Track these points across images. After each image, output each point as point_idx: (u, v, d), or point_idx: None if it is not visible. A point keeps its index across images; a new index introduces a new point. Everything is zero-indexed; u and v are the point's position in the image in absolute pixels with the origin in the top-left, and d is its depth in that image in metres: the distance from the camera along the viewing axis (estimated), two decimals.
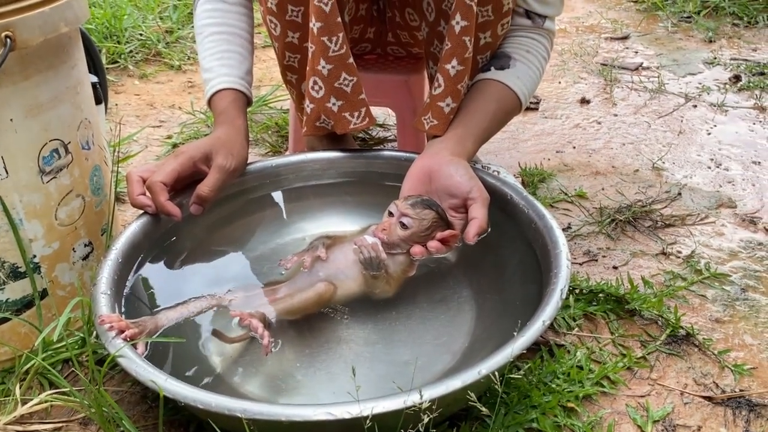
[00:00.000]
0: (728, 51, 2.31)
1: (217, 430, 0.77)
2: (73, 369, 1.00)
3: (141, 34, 2.25)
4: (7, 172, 0.91)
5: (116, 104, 1.92)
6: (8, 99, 0.89)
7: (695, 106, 1.91)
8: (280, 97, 1.89)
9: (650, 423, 0.93)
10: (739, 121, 1.82)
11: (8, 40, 0.84)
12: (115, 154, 1.43)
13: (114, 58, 2.13)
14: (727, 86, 2.03)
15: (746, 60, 2.21)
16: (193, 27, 2.34)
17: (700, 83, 2.06)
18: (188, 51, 2.26)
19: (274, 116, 1.81)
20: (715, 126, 1.80)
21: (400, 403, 0.72)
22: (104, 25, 2.19)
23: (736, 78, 2.07)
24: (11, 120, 0.90)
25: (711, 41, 2.40)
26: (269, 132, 1.75)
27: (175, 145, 1.68)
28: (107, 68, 2.03)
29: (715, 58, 2.23)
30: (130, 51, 2.18)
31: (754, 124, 1.81)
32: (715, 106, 1.90)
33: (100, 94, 1.27)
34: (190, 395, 0.75)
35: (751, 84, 2.02)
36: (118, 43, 2.17)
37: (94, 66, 1.39)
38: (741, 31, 2.49)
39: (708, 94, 1.98)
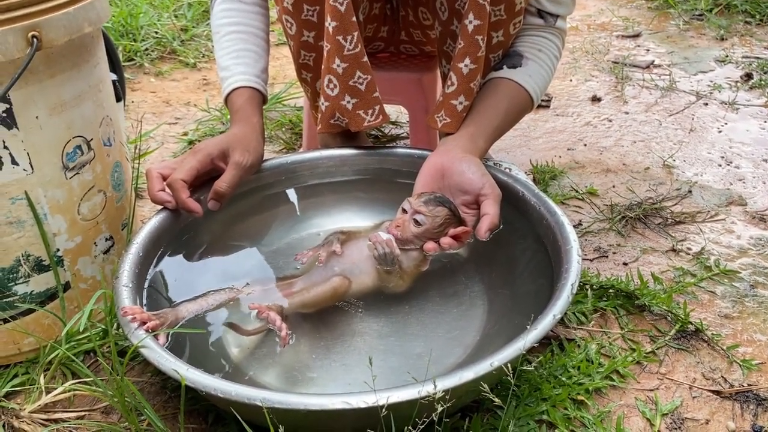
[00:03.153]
0: (740, 49, 2.31)
1: (240, 420, 0.79)
2: (94, 359, 1.03)
3: (156, 32, 2.28)
4: (32, 168, 0.94)
5: (132, 101, 1.95)
6: (34, 97, 0.91)
7: (706, 104, 1.92)
8: (294, 95, 1.91)
9: (659, 416, 0.94)
10: (750, 119, 1.83)
11: (35, 39, 0.87)
12: (136, 150, 1.46)
13: (130, 55, 2.16)
14: (739, 84, 2.03)
15: (758, 58, 2.21)
16: (207, 25, 2.38)
17: (711, 81, 2.06)
18: (203, 49, 2.29)
19: (288, 113, 1.83)
20: (726, 124, 1.81)
21: (415, 393, 0.74)
22: (120, 23, 2.22)
23: (748, 76, 2.07)
24: (37, 117, 0.92)
25: (723, 39, 2.40)
26: (283, 129, 1.77)
27: (191, 142, 1.71)
28: (123, 66, 2.06)
29: (727, 56, 2.23)
30: (146, 49, 2.21)
31: (765, 122, 1.81)
32: (726, 104, 1.91)
33: (120, 92, 1.30)
34: (211, 384, 0.77)
35: (762, 82, 2.02)
36: (134, 41, 2.20)
37: (113, 64, 1.41)
38: (753, 28, 2.49)
39: (719, 92, 1.99)
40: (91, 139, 1.02)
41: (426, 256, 1.04)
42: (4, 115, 0.89)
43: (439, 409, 0.73)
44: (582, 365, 1.00)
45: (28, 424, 0.92)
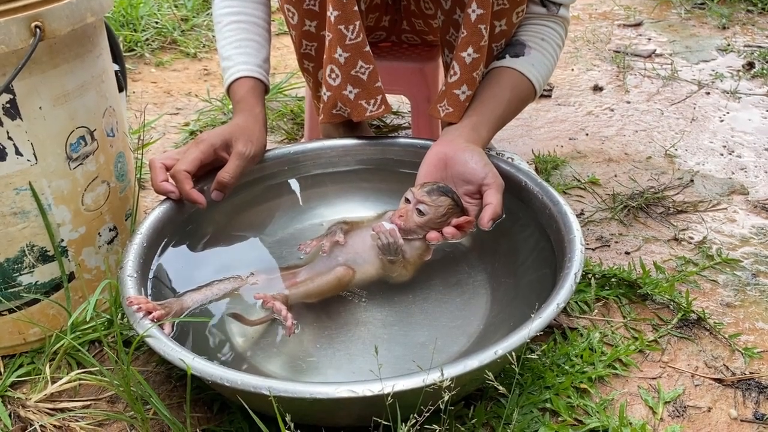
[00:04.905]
0: (742, 38, 2.30)
1: (247, 408, 0.80)
2: (100, 349, 1.03)
3: (157, 22, 2.28)
4: (36, 159, 0.94)
5: (133, 92, 1.94)
6: (37, 87, 0.91)
7: (708, 93, 1.91)
8: (295, 85, 1.90)
9: (661, 404, 0.95)
10: (752, 108, 1.83)
11: (38, 30, 0.87)
12: (139, 140, 1.46)
13: (131, 46, 2.16)
14: (741, 73, 2.03)
15: (760, 47, 2.21)
16: (208, 15, 2.37)
17: (713, 70, 2.06)
18: (203, 39, 2.28)
19: (289, 104, 1.83)
20: (727, 113, 1.80)
21: (420, 381, 0.74)
22: (121, 13, 2.21)
23: (750, 65, 2.07)
24: (40, 108, 0.92)
25: (724, 28, 2.39)
26: (285, 119, 1.77)
27: (192, 133, 1.71)
28: (124, 56, 2.06)
29: (729, 45, 2.23)
30: (147, 39, 2.21)
31: (767, 111, 1.81)
32: (728, 93, 1.91)
33: (122, 82, 1.29)
34: (217, 373, 0.77)
35: (764, 71, 2.02)
36: (135, 31, 2.20)
37: (114, 54, 1.40)
38: (755, 17, 2.48)
39: (721, 81, 1.98)
40: (95, 130, 1.02)
41: (429, 246, 1.05)
42: (8, 105, 0.89)
43: (445, 397, 0.74)
44: (585, 354, 1.01)
45: (34, 413, 0.92)
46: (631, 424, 0.91)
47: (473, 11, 1.08)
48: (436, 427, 0.77)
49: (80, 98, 0.98)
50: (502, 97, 1.15)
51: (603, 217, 1.37)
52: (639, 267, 1.19)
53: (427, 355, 0.90)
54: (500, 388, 0.81)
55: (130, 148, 1.17)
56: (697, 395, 0.97)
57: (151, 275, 0.99)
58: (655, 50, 2.22)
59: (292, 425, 0.74)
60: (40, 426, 0.90)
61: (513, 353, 0.80)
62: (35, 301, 1.01)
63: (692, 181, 1.49)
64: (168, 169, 1.05)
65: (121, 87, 1.26)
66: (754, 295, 1.16)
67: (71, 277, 1.03)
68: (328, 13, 1.09)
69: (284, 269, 1.05)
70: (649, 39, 2.33)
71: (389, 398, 0.73)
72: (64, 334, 0.97)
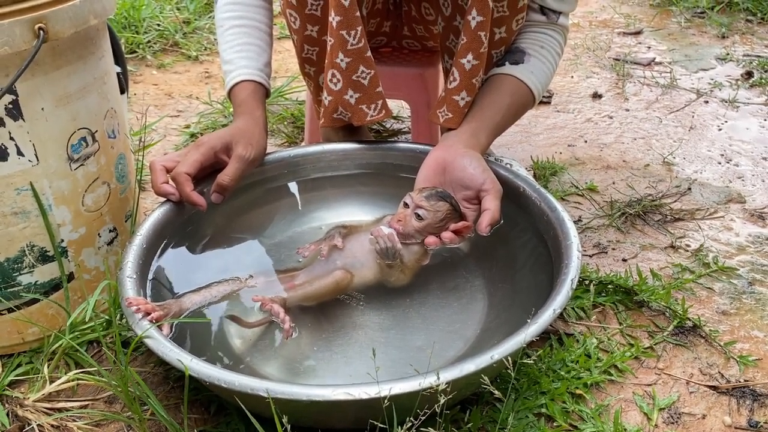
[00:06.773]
0: (741, 47, 2.31)
1: (244, 409, 0.80)
2: (98, 349, 1.04)
3: (159, 25, 2.28)
4: (37, 159, 0.95)
5: (135, 93, 1.95)
6: (40, 89, 0.92)
7: (707, 102, 1.92)
8: (296, 89, 1.91)
9: (656, 411, 0.95)
10: (750, 118, 1.83)
11: (41, 31, 0.88)
12: (140, 142, 1.47)
13: (132, 48, 2.17)
14: (739, 82, 2.04)
15: (759, 56, 2.22)
16: (209, 17, 2.38)
17: (712, 79, 2.07)
18: (205, 41, 2.29)
19: (289, 107, 1.84)
20: (726, 122, 1.81)
21: (416, 385, 0.75)
22: (123, 16, 2.22)
23: (748, 74, 2.08)
24: (42, 109, 0.93)
25: (724, 37, 2.40)
26: (285, 123, 1.77)
27: (193, 135, 1.71)
28: (126, 58, 2.06)
29: (728, 54, 2.24)
30: (148, 41, 2.21)
31: (765, 120, 1.82)
32: (726, 102, 1.92)
33: (123, 84, 1.30)
34: (215, 375, 0.78)
35: (763, 80, 2.03)
36: (137, 33, 2.21)
37: (116, 56, 1.41)
38: (754, 27, 2.49)
39: (720, 90, 1.99)
40: (96, 131, 1.02)
41: (427, 251, 1.05)
42: (11, 106, 0.90)
43: (441, 401, 0.74)
44: (581, 360, 1.01)
45: (31, 412, 0.93)
46: (626, 430, 0.91)
47: (473, 18, 1.08)
48: (432, 430, 0.78)
49: (82, 100, 0.99)
50: (502, 103, 1.16)
51: (600, 224, 1.38)
52: (636, 274, 1.19)
53: (424, 358, 0.90)
54: (496, 392, 0.81)
55: (131, 150, 1.17)
56: (691, 402, 0.98)
57: (150, 276, 1.00)
58: (655, 58, 2.23)
59: (288, 427, 0.75)
60: (38, 425, 0.91)
61: (509, 358, 0.80)
62: (34, 301, 1.01)
63: (690, 189, 1.50)
64: (168, 171, 1.06)
65: (123, 89, 1.27)
66: (749, 303, 1.17)
67: (71, 277, 1.04)
68: (330, 18, 1.10)
69: (283, 272, 1.06)
70: (649, 47, 2.34)
71: (385, 401, 0.74)
72: (63, 334, 0.98)
